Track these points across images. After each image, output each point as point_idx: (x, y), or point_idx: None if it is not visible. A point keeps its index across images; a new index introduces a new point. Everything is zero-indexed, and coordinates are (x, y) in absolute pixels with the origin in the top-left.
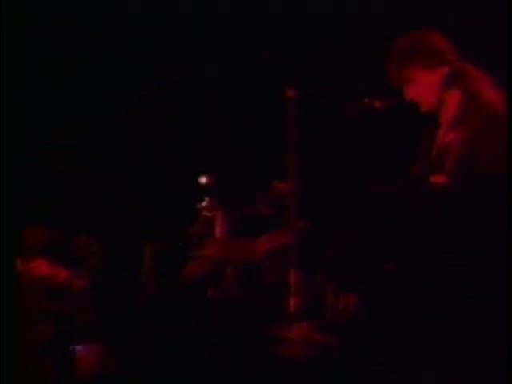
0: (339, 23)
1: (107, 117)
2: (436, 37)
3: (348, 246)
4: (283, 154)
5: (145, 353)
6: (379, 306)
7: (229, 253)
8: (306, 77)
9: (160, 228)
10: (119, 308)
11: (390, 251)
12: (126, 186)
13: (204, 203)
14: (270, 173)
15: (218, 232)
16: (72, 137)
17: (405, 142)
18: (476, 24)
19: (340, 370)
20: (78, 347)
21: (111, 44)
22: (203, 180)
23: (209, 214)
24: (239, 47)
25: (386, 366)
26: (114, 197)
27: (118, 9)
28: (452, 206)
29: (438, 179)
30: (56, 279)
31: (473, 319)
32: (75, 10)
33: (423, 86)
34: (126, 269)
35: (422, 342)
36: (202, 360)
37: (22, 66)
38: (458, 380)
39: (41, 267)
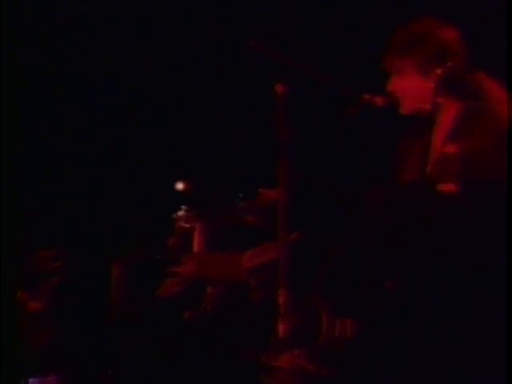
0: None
1: (73, 122)
2: (444, 31)
3: (345, 261)
4: (272, 157)
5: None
6: (380, 332)
7: (208, 269)
8: (296, 70)
9: (130, 240)
10: (82, 332)
11: (391, 267)
12: (90, 192)
13: (180, 212)
14: (257, 178)
15: (195, 246)
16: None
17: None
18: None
19: None
20: (32, 380)
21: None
22: (179, 186)
23: (186, 225)
24: (222, 42)
25: None
26: (77, 204)
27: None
28: (463, 216)
29: (448, 187)
30: None
31: (479, 344)
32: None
33: (411, 86)
34: (91, 287)
35: (427, 373)
36: None
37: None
38: None
39: None
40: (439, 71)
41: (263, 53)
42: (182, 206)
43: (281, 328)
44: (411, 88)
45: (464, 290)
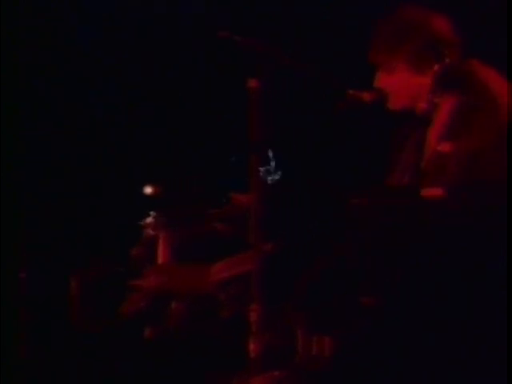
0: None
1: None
2: (434, 20)
3: (324, 274)
4: (244, 158)
5: None
6: (360, 351)
7: (173, 283)
8: (271, 63)
9: (90, 251)
10: (36, 352)
11: (371, 281)
12: (49, 196)
13: (148, 219)
14: (228, 182)
15: (159, 256)
16: None
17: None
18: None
19: None
20: None
21: None
22: (148, 190)
23: (154, 233)
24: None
25: None
26: (30, 211)
27: None
28: (450, 225)
29: (433, 192)
30: None
31: (467, 362)
32: None
33: (401, 83)
34: (46, 304)
35: None
36: None
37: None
38: None
39: None
40: (436, 67)
41: (234, 41)
42: (151, 213)
43: (252, 347)
44: (402, 85)
45: (452, 308)
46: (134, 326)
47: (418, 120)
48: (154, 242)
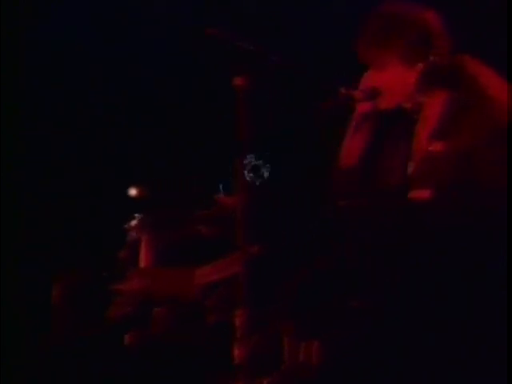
0: None
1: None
2: (425, 13)
3: (312, 277)
4: (230, 159)
5: None
6: (348, 357)
7: (156, 287)
8: (259, 61)
9: (74, 255)
10: (20, 359)
11: (358, 284)
12: (31, 198)
13: (133, 222)
14: (214, 184)
15: (142, 260)
16: None
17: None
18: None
19: None
20: None
21: None
22: (133, 192)
23: (139, 236)
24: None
25: None
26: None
27: None
28: (438, 228)
29: (421, 194)
30: None
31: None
32: None
33: (394, 80)
34: (29, 309)
35: None
36: None
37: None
38: None
39: None
40: (420, 65)
41: (222, 39)
42: (136, 215)
43: (237, 353)
44: (396, 81)
45: (441, 309)
46: (117, 331)
47: (406, 119)
48: (139, 244)
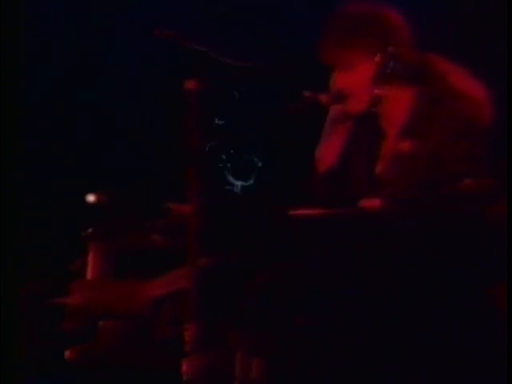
0: None
1: None
2: (393, 15)
3: (265, 290)
4: (183, 166)
5: None
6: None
7: (101, 300)
8: (211, 63)
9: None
10: None
11: (303, 299)
12: None
13: (90, 230)
14: (166, 191)
15: (90, 271)
16: None
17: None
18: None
19: None
20: None
21: None
22: (91, 198)
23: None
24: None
25: None
26: None
27: None
28: (390, 240)
29: (371, 203)
30: None
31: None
32: None
33: (362, 79)
34: None
35: None
36: None
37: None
38: None
39: None
40: (377, 57)
41: (173, 40)
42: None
43: (186, 369)
44: (365, 82)
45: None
46: (59, 346)
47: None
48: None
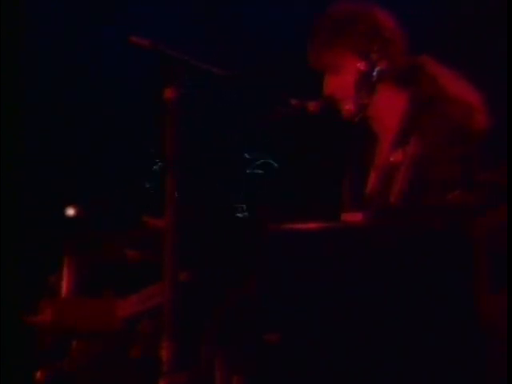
0: None
1: None
2: (380, 12)
3: (239, 307)
4: (160, 177)
5: None
6: None
7: (73, 319)
8: (189, 71)
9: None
10: None
11: (282, 314)
12: None
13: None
14: (142, 204)
15: (63, 287)
16: None
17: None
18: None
19: None
20: None
21: None
22: (70, 212)
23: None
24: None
25: None
26: None
27: None
28: (372, 254)
29: (352, 217)
30: None
31: None
32: None
33: (352, 81)
34: None
35: None
36: None
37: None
38: None
39: None
40: (360, 65)
41: (147, 47)
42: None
43: None
44: (353, 82)
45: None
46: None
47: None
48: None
